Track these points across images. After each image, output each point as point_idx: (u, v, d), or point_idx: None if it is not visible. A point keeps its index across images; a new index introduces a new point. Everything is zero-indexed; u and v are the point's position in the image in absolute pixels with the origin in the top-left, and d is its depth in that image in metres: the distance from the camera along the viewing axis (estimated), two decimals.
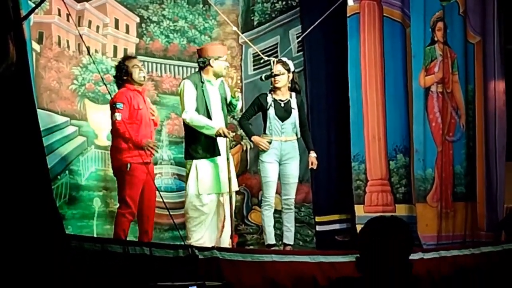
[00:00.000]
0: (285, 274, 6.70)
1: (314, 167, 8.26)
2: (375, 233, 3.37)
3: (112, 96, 7.76)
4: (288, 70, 8.14)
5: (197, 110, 7.78)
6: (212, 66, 7.87)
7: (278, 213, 8.33)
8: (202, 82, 7.87)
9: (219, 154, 7.77)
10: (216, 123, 7.76)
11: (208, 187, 7.78)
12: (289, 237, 8.20)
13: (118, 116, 7.61)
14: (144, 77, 7.97)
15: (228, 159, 7.76)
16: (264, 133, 8.16)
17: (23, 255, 4.88)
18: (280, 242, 8.36)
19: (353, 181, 8.90)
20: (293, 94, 8.20)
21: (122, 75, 7.85)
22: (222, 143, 7.79)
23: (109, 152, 8.11)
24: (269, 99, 8.16)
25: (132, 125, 7.66)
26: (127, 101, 7.70)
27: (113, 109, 7.66)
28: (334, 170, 8.80)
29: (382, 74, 9.09)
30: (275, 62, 8.21)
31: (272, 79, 8.11)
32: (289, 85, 8.18)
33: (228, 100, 8.03)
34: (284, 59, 8.29)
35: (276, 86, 8.11)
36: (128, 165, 7.62)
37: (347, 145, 8.86)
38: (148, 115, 7.90)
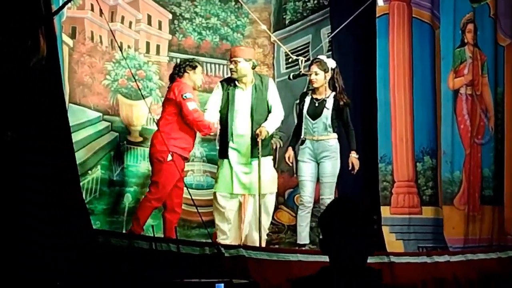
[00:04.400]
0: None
1: (356, 167, 8.14)
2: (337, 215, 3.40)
3: (170, 87, 7.87)
4: (325, 70, 8.09)
5: (222, 112, 7.92)
6: (236, 69, 7.93)
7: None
8: (231, 86, 7.95)
9: (226, 157, 7.87)
10: (241, 128, 7.89)
11: (220, 187, 7.91)
12: None
13: (192, 105, 7.74)
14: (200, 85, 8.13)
15: (259, 161, 7.78)
16: (299, 132, 8.19)
17: (50, 249, 4.94)
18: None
19: (379, 182, 8.86)
20: (332, 94, 8.12)
21: (187, 69, 7.94)
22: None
23: (142, 148, 8.19)
24: (307, 98, 8.18)
25: None
26: (192, 94, 7.83)
27: (184, 99, 7.72)
28: (361, 171, 8.78)
29: (410, 75, 9.03)
30: (303, 61, 8.21)
31: (309, 79, 8.13)
32: (327, 84, 8.12)
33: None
34: (323, 57, 8.22)
35: (314, 86, 8.11)
36: (170, 154, 7.57)
37: (374, 146, 8.82)
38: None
